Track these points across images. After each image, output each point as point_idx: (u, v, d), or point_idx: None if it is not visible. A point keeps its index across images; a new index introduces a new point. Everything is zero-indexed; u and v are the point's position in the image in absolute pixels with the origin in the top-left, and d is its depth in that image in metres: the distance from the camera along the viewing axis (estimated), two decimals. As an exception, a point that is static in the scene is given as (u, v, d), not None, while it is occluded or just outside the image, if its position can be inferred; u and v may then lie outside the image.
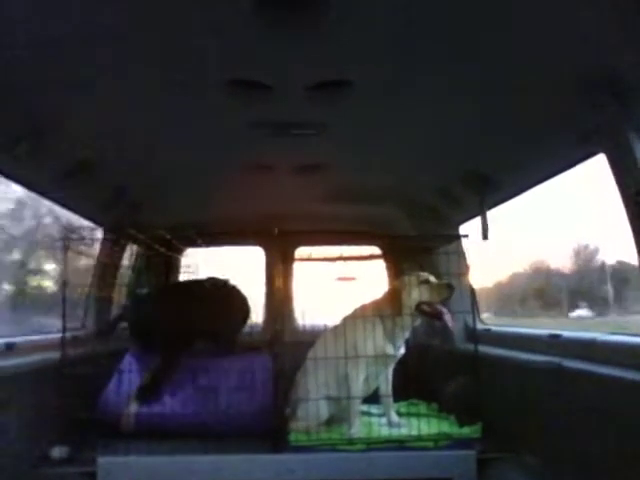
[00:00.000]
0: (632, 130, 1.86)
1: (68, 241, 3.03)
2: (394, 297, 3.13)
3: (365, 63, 1.85)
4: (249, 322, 3.82)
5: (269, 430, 2.94)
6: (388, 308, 3.11)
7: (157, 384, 3.23)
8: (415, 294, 3.09)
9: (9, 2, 1.47)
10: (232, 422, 3.10)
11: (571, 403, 2.25)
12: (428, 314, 3.11)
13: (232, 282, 3.75)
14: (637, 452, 1.85)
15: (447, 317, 3.07)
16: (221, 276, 3.76)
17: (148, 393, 3.18)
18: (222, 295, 3.67)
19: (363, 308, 3.21)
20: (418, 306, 3.09)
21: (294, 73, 1.89)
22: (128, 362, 3.34)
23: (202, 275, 3.91)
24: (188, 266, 3.94)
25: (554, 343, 2.56)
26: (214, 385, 3.26)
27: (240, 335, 3.77)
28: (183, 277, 4.26)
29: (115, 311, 3.76)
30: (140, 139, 2.52)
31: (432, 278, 3.15)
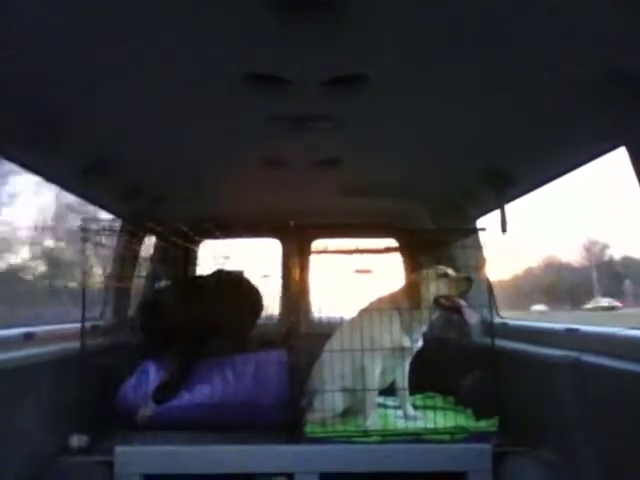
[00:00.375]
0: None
1: (87, 232, 3.06)
2: (412, 290, 3.11)
3: (381, 58, 1.83)
4: (264, 314, 3.83)
5: (285, 422, 2.96)
6: (406, 301, 3.10)
7: (174, 384, 3.26)
8: (433, 288, 3.08)
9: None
10: (249, 414, 3.11)
11: (589, 398, 2.23)
12: (446, 308, 3.10)
13: (244, 274, 3.75)
14: None
15: (467, 311, 3.05)
16: (237, 268, 3.77)
17: (165, 393, 3.21)
18: (233, 288, 3.68)
19: (380, 301, 3.20)
20: (436, 300, 3.08)
21: (310, 67, 1.89)
22: (146, 361, 3.39)
23: (226, 267, 3.91)
24: (227, 257, 3.94)
25: (572, 337, 2.53)
26: (230, 378, 3.28)
27: (255, 327, 3.78)
28: (211, 268, 4.25)
29: (132, 304, 3.79)
30: (157, 134, 2.54)
31: (450, 271, 3.13)
